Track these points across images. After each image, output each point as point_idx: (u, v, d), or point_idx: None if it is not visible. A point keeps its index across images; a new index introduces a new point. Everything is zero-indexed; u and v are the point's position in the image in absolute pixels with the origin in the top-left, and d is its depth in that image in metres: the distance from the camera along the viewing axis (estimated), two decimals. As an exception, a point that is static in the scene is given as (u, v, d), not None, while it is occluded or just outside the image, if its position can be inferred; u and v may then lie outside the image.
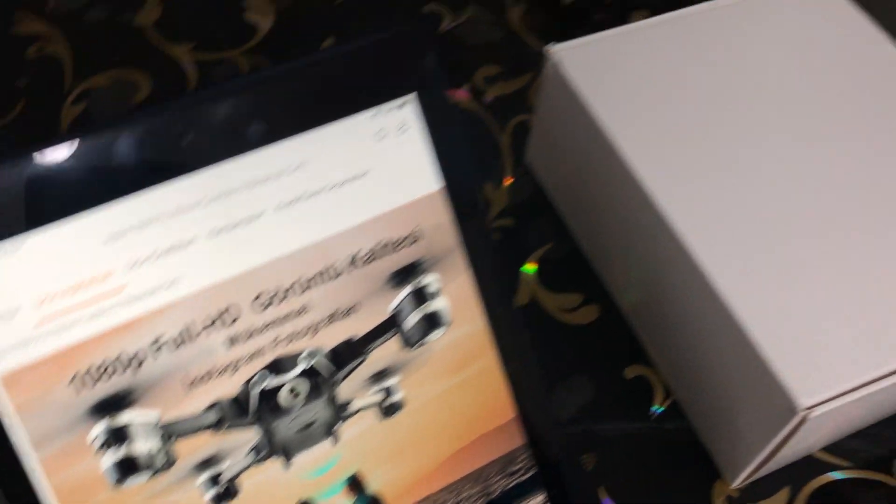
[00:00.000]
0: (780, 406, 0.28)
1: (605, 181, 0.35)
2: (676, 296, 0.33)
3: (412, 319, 0.26)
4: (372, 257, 0.25)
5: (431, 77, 0.26)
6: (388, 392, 0.26)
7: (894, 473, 0.34)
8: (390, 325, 0.26)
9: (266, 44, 0.47)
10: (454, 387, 0.27)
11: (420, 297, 0.26)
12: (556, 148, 0.39)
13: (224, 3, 0.49)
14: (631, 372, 0.37)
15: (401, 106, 0.25)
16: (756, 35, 0.37)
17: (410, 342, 0.26)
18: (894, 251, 0.30)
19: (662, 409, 0.36)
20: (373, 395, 0.26)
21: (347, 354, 0.25)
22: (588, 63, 0.36)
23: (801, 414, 0.28)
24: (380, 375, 0.26)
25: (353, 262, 0.25)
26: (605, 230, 0.37)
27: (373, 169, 0.25)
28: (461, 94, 0.45)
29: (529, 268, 0.40)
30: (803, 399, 0.27)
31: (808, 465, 0.35)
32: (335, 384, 0.25)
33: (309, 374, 0.25)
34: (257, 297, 0.24)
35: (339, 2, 0.49)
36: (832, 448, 0.35)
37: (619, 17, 0.49)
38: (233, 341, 0.24)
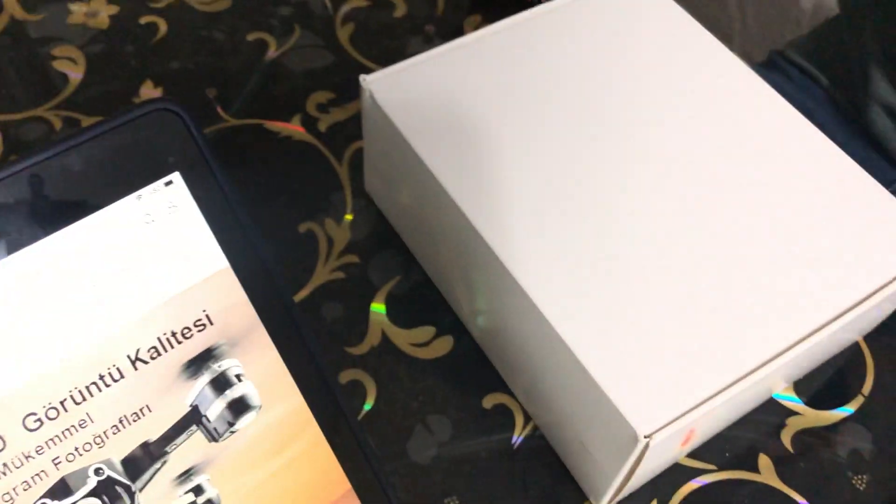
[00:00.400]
0: (623, 435, 0.28)
1: (435, 211, 0.34)
2: (517, 327, 0.32)
3: (215, 410, 0.24)
4: (157, 352, 0.23)
5: (196, 153, 0.23)
6: (199, 491, 0.24)
7: (759, 469, 0.34)
8: (191, 419, 0.24)
9: (76, 96, 0.44)
10: (277, 471, 0.25)
11: (221, 384, 0.24)
12: (388, 178, 0.37)
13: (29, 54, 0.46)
14: (489, 401, 0.36)
15: (166, 185, 0.23)
16: (568, 42, 0.36)
17: (217, 434, 0.24)
18: (716, 271, 0.30)
19: (522, 437, 0.35)
20: (182, 498, 0.24)
21: (145, 460, 0.23)
22: (402, 91, 0.34)
23: (644, 441, 0.27)
24: (187, 475, 0.24)
25: (135, 360, 0.23)
26: (444, 260, 0.36)
27: (146, 256, 0.23)
28: (293, 127, 0.43)
29: (377, 306, 0.38)
30: (643, 427, 0.27)
31: (674, 474, 0.34)
32: (135, 494, 0.23)
33: (103, 489, 0.23)
34: (27, 417, 0.22)
35: (155, 41, 0.47)
36: (697, 453, 0.34)
37: (452, 30, 0.48)
38: (3, 470, 0.22)
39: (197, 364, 0.24)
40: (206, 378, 0.24)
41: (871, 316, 0.30)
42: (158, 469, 0.23)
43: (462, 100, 0.34)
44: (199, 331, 0.24)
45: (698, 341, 0.28)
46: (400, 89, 0.34)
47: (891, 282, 0.29)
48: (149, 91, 0.44)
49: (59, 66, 0.45)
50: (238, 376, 0.24)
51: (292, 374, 0.25)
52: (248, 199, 0.41)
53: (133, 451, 0.23)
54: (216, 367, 0.24)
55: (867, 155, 0.58)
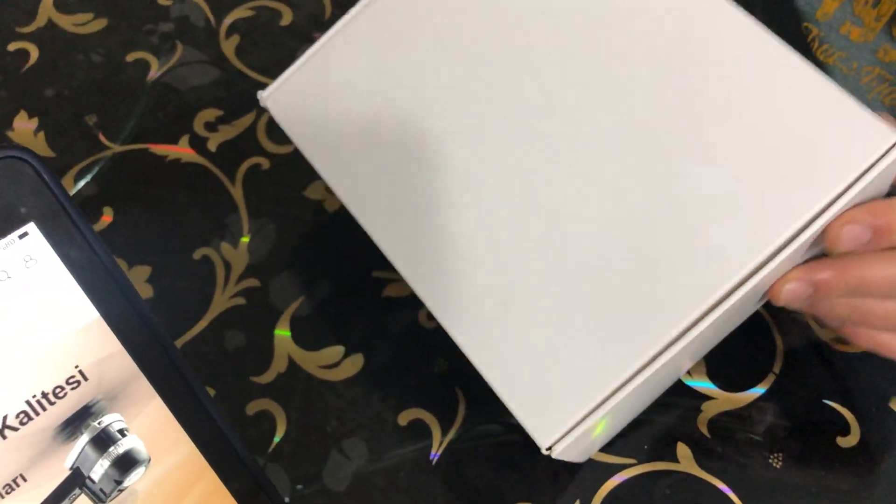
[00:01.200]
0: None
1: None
2: None
3: (99, 470, 0.23)
4: (27, 416, 0.22)
5: (52, 201, 0.22)
6: (89, 558, 0.23)
7: (679, 459, 0.34)
8: (72, 484, 0.22)
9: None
10: (173, 524, 0.24)
11: (103, 441, 0.23)
12: None
13: None
14: (404, 418, 0.35)
15: (21, 237, 0.22)
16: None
17: (103, 495, 0.23)
18: (600, 264, 0.28)
19: (440, 452, 0.34)
20: (71, 568, 0.22)
21: (24, 533, 0.22)
22: (296, 100, 0.32)
23: (546, 453, 0.26)
24: (74, 543, 0.22)
25: (2, 428, 0.21)
26: None
27: (5, 315, 0.21)
28: (181, 149, 0.42)
29: (282, 331, 0.37)
30: (543, 440, 0.26)
31: (595, 472, 0.34)
32: (16, 572, 0.22)
33: (-21, 570, 0.21)
34: None
35: (27, 68, 0.44)
36: (617, 448, 0.34)
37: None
38: None
39: (74, 423, 0.22)
40: (85, 437, 0.22)
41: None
42: (41, 541, 0.22)
43: (347, 98, 0.32)
44: (73, 388, 0.22)
45: (586, 344, 0.27)
46: (292, 99, 0.33)
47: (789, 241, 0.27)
48: (23, 123, 0.42)
49: (-79, 103, 0.42)
50: (121, 431, 0.23)
51: (180, 422, 0.24)
52: (139, 230, 0.39)
53: (10, 525, 0.21)
54: (96, 425, 0.23)
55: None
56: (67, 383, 0.22)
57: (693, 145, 0.27)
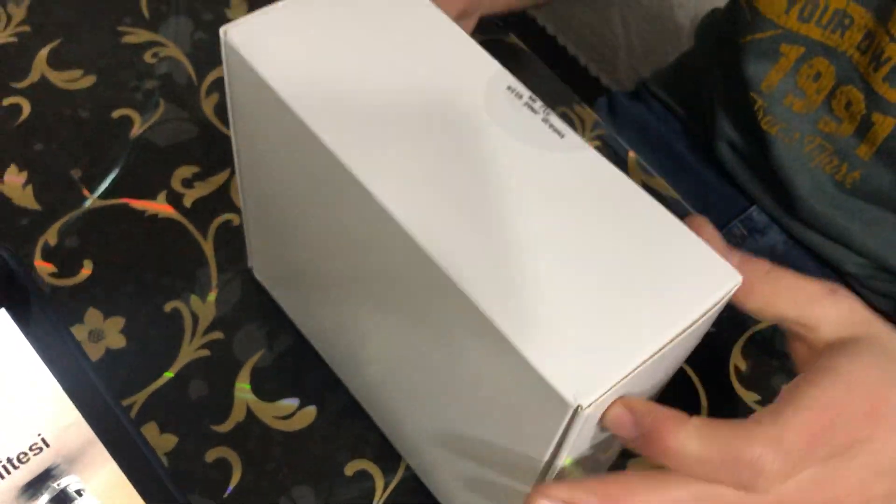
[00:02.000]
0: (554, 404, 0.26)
1: (330, 195, 0.31)
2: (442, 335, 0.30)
3: (57, 526, 0.26)
4: (-6, 479, 0.25)
5: (22, 290, 0.25)
6: None
7: None
8: (33, 538, 0.25)
9: (-58, 184, 0.44)
10: (124, 574, 0.27)
11: (61, 501, 0.26)
12: (266, 177, 0.35)
13: None
14: (350, 468, 0.38)
15: (-8, 321, 0.25)
16: None
17: (61, 549, 0.26)
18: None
19: (381, 501, 0.37)
20: None
21: (-12, 583, 0.25)
22: (270, 41, 0.31)
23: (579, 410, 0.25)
24: (32, 590, 0.25)
25: (-29, 490, 0.24)
26: (344, 290, 0.35)
27: (-23, 390, 0.25)
28: (158, 206, 0.45)
29: (242, 383, 0.40)
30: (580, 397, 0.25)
31: None
32: None
33: None
34: None
35: (18, 123, 0.47)
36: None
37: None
38: None
39: (36, 486, 0.25)
40: (45, 497, 0.26)
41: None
42: (3, 590, 0.25)
43: (338, 48, 0.31)
44: (36, 454, 0.25)
45: (618, 311, 0.27)
46: (267, 39, 0.31)
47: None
48: (12, 177, 0.45)
49: (-81, 154, 0.45)
50: (79, 492, 0.26)
51: (133, 482, 0.27)
52: (115, 283, 0.42)
53: (-24, 576, 0.25)
54: (55, 486, 0.26)
55: (721, 185, 0.62)
56: (31, 450, 0.25)
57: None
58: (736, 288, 0.28)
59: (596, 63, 1.24)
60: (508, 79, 0.31)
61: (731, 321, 0.44)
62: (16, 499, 0.25)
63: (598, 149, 0.50)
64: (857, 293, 0.58)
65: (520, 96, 0.30)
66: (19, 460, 0.25)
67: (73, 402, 0.26)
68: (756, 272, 0.29)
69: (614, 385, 0.25)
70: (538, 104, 0.30)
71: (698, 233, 0.28)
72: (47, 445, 0.26)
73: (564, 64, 1.30)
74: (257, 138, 0.34)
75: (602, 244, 0.28)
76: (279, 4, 0.32)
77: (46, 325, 0.25)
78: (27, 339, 0.25)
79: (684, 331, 0.27)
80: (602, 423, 0.27)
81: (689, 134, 0.65)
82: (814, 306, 0.28)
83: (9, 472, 0.25)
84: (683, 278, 0.27)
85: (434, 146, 0.29)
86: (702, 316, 0.27)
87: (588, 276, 0.27)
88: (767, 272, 0.29)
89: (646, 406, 0.26)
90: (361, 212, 0.29)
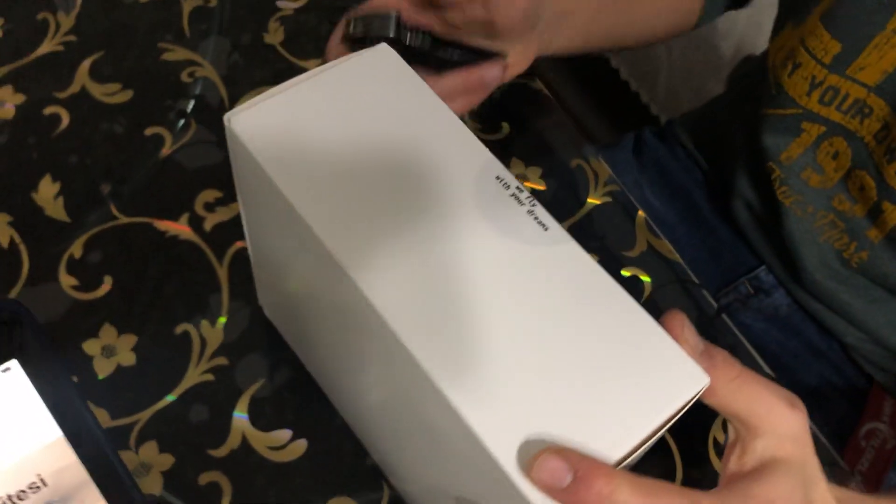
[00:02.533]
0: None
1: (313, 271, 0.33)
2: (409, 409, 0.32)
3: (49, 557, 0.28)
4: (-6, 513, 0.27)
5: (33, 343, 0.27)
6: None
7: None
8: (25, 567, 0.28)
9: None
10: None
11: (55, 534, 0.28)
12: (265, 245, 0.38)
13: None
14: (334, 503, 0.40)
15: (4, 371, 0.27)
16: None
17: (50, 578, 0.28)
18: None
19: (358, 540, 0.39)
20: None
21: None
22: (271, 126, 0.32)
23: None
24: None
25: (-27, 522, 0.27)
26: (324, 341, 0.37)
27: (-15, 431, 0.27)
28: (180, 227, 0.47)
29: (240, 412, 0.42)
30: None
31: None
32: None
33: None
34: None
35: (57, 133, 0.50)
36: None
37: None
38: None
39: (32, 520, 0.28)
40: (40, 531, 0.28)
41: None
42: None
43: (331, 135, 0.33)
44: (34, 492, 0.28)
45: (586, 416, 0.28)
46: (268, 124, 0.32)
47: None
48: (46, 186, 0.48)
49: (-38, 158, 0.48)
50: (70, 527, 0.28)
51: (120, 521, 0.29)
52: (132, 300, 0.44)
53: None
54: (50, 521, 0.28)
55: (733, 242, 0.63)
56: (29, 488, 0.28)
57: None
58: (703, 390, 0.29)
59: (647, 91, 1.24)
60: (497, 168, 0.32)
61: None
62: (13, 531, 0.27)
63: (610, 205, 0.51)
64: (855, 361, 0.59)
65: (507, 186, 0.32)
66: (19, 497, 0.28)
67: (73, 447, 0.28)
68: (723, 377, 0.30)
69: None
70: (524, 195, 0.32)
71: (674, 329, 0.29)
72: (45, 485, 0.28)
73: (615, 89, 1.30)
74: (257, 207, 0.36)
75: (576, 341, 0.29)
76: (285, 87, 0.33)
77: (53, 373, 0.28)
78: (34, 386, 0.28)
79: (650, 435, 0.28)
80: (532, 472, 0.27)
81: (709, 185, 0.66)
82: (770, 417, 0.30)
83: (9, 507, 0.27)
84: (652, 379, 0.29)
85: (418, 236, 0.30)
86: (668, 419, 0.28)
87: (559, 373, 0.28)
88: (733, 379, 0.30)
89: (578, 454, 0.27)
90: (342, 293, 0.31)
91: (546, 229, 0.31)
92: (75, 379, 0.42)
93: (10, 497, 0.27)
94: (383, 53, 0.35)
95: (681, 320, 0.29)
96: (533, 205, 0.32)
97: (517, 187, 0.32)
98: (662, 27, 0.60)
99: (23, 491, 0.28)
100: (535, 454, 0.26)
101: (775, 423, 0.30)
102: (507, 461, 0.27)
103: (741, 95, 0.64)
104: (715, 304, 0.49)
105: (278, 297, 0.41)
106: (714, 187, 0.65)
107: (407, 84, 0.34)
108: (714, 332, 0.49)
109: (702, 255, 0.65)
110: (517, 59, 0.46)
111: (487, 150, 0.33)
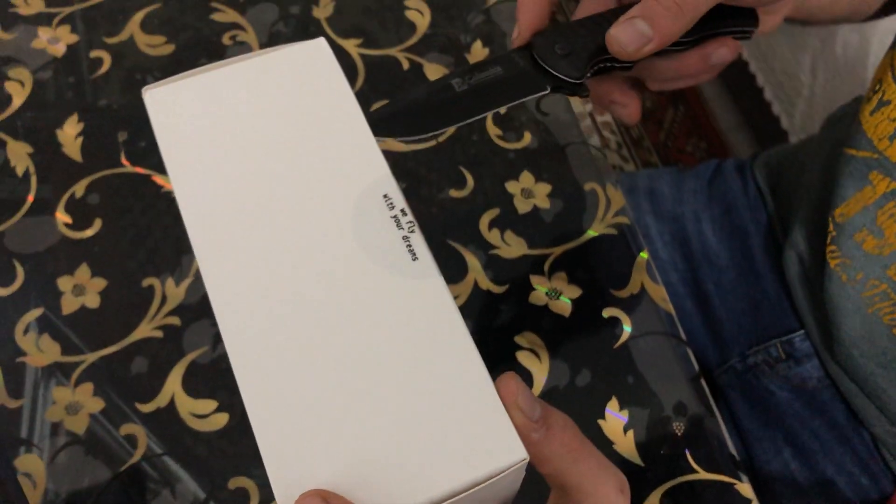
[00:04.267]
0: None
1: None
2: None
3: None
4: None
5: None
6: None
7: None
8: None
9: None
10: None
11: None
12: None
13: None
14: (233, 483, 0.41)
15: None
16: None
17: None
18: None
19: (245, 523, 0.40)
20: None
21: None
22: (181, 107, 0.33)
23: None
24: None
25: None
26: None
27: None
28: (176, 184, 0.48)
29: (177, 372, 0.43)
30: None
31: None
32: None
33: None
34: None
35: (95, 76, 0.52)
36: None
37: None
38: None
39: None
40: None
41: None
42: None
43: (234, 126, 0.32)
44: None
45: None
46: (179, 103, 0.33)
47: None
48: (71, 126, 0.50)
49: (8, 87, 0.52)
50: None
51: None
52: (114, 246, 0.47)
53: None
54: None
55: (777, 298, 0.57)
56: None
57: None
58: (518, 465, 0.27)
59: (780, 102, 1.15)
60: (389, 186, 0.31)
61: (664, 461, 0.41)
62: None
63: (612, 238, 0.48)
64: (884, 458, 0.52)
65: (392, 206, 0.30)
66: None
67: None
68: (558, 447, 0.27)
69: None
70: (406, 219, 0.30)
71: (507, 397, 0.27)
72: None
73: (750, 94, 1.21)
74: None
75: (406, 387, 0.28)
76: (209, 68, 0.33)
77: None
78: None
79: (444, 498, 0.26)
80: None
81: (770, 232, 0.60)
82: (595, 497, 0.27)
83: None
84: (468, 443, 0.27)
85: (281, 244, 0.30)
86: (470, 486, 0.26)
87: (377, 418, 0.27)
88: (569, 452, 0.27)
89: (340, 498, 0.26)
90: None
91: (415, 259, 0.30)
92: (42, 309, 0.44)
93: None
94: (317, 48, 0.34)
95: (514, 387, 0.27)
96: (411, 231, 0.30)
97: (402, 210, 0.30)
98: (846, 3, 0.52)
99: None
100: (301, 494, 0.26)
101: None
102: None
103: (827, 135, 0.58)
104: (697, 367, 0.45)
105: None
106: (773, 234, 0.60)
107: (330, 84, 0.33)
108: (695, 394, 0.45)
109: (742, 306, 0.59)
110: (768, 19, 0.41)
111: (387, 166, 0.31)
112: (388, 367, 0.28)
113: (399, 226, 0.30)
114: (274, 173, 0.31)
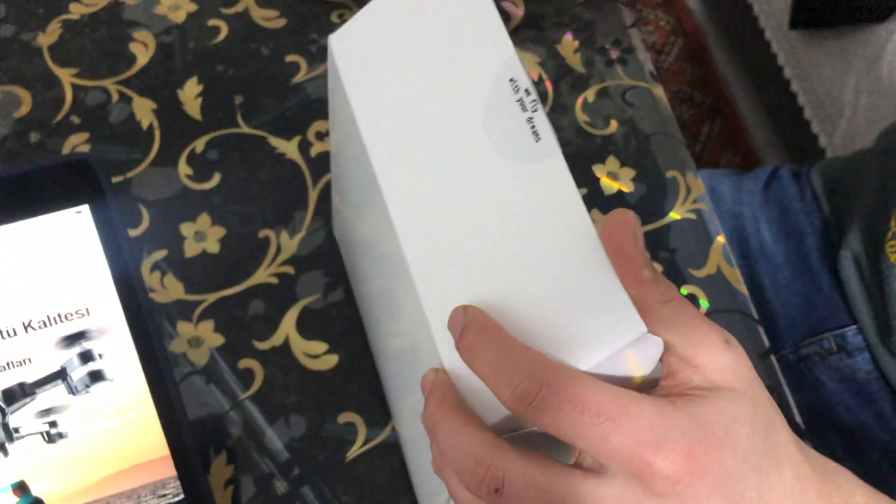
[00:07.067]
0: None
1: (367, 196, 0.36)
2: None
3: (77, 374, 0.34)
4: (44, 324, 0.33)
5: (102, 193, 0.33)
6: (53, 424, 0.34)
7: None
8: (58, 376, 0.34)
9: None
10: (114, 427, 0.35)
11: (86, 357, 0.34)
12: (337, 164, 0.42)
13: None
14: (343, 418, 0.44)
15: (77, 213, 0.33)
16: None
17: (75, 390, 0.34)
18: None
19: (357, 454, 0.43)
20: (40, 426, 0.34)
21: (18, 394, 0.33)
22: (356, 49, 0.35)
23: None
24: (47, 412, 0.34)
25: (26, 326, 0.33)
26: (365, 272, 0.41)
27: (47, 265, 0.33)
28: (290, 147, 0.52)
29: (291, 315, 0.47)
30: None
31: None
32: (6, 415, 0.34)
33: (-15, 405, 0.33)
34: (-55, 346, 0.32)
35: (213, 43, 0.56)
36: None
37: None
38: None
39: (72, 339, 0.34)
40: (76, 350, 0.34)
41: None
42: (27, 403, 0.34)
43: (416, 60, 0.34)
44: (80, 317, 0.34)
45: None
46: (359, 41, 0.35)
47: None
48: (192, 87, 0.54)
49: (133, 47, 0.56)
50: (100, 355, 0.34)
51: (142, 362, 0.34)
52: (232, 199, 0.50)
53: (11, 386, 0.33)
54: (86, 345, 0.34)
55: (831, 294, 0.61)
56: (76, 313, 0.33)
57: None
58: (637, 338, 0.28)
59: (819, 121, 1.19)
60: (514, 69, 0.33)
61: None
62: (57, 343, 0.33)
63: (691, 222, 0.51)
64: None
65: (517, 90, 0.32)
66: (66, 317, 0.33)
67: (117, 290, 0.34)
68: (658, 297, 0.29)
69: None
70: (530, 98, 0.32)
71: (621, 229, 0.29)
72: (89, 314, 0.34)
73: (790, 113, 1.25)
74: (336, 126, 0.40)
75: (528, 268, 0.30)
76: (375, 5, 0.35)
77: (114, 226, 0.33)
78: (98, 233, 0.33)
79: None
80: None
81: (825, 234, 0.64)
82: (705, 349, 0.28)
83: (56, 323, 0.33)
84: (588, 322, 0.28)
85: (440, 153, 0.33)
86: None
87: (515, 277, 0.30)
88: (668, 300, 0.29)
89: (477, 310, 0.28)
90: (376, 206, 0.34)
91: (538, 140, 0.31)
92: (134, 238, 0.48)
93: (59, 315, 0.33)
94: None
95: (632, 218, 0.29)
96: (535, 110, 0.32)
97: (525, 90, 0.32)
98: None
99: (70, 313, 0.34)
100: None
101: (711, 355, 0.28)
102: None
103: (883, 144, 0.62)
104: (767, 344, 0.49)
105: (343, 225, 0.45)
106: (829, 236, 0.63)
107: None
108: (761, 371, 0.49)
109: (797, 301, 0.63)
110: None
111: (512, 47, 0.33)
112: (512, 247, 0.30)
113: (524, 108, 0.32)
114: (432, 79, 0.34)
